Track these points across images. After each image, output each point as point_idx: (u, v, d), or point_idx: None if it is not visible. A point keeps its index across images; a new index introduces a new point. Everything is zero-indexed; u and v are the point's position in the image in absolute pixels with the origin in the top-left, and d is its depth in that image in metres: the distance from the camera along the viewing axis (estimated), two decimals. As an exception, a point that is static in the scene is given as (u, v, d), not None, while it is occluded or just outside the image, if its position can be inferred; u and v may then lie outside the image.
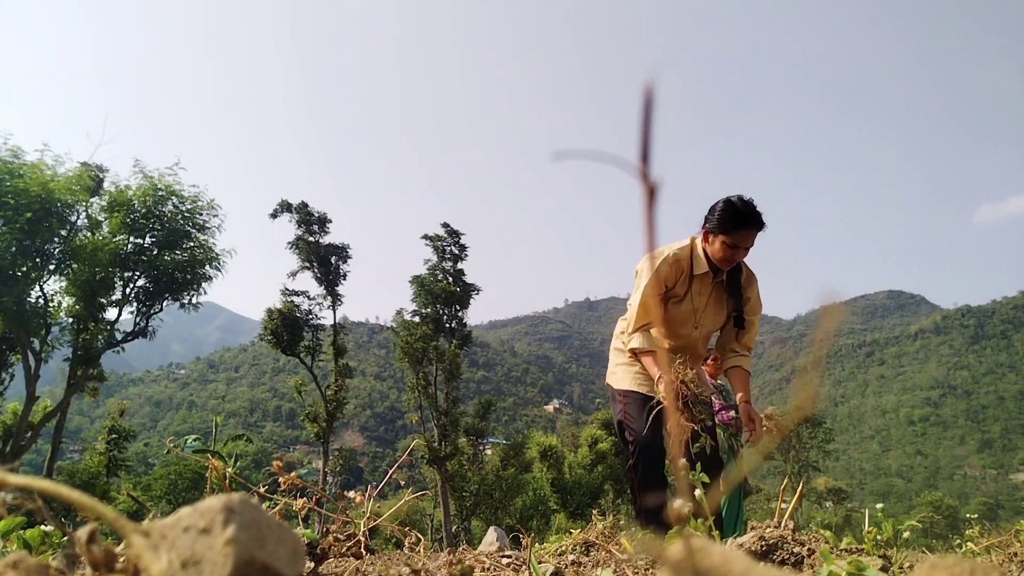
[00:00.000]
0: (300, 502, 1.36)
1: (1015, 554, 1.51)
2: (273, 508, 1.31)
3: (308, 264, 22.07)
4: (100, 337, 16.03)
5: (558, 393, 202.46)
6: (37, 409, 15.82)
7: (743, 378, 2.71)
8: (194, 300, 17.01)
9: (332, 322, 22.53)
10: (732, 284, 2.75)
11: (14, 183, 13.43)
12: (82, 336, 15.72)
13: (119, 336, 16.60)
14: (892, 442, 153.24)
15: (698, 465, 2.16)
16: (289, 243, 22.17)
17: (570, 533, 1.89)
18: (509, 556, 1.56)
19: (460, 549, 1.68)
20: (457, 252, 24.33)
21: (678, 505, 0.40)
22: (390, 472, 1.94)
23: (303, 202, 22.56)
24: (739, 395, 2.62)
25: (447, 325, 23.60)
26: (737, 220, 2.53)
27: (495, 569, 1.38)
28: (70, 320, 15.74)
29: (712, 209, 2.65)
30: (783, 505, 2.09)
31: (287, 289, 21.83)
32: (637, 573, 1.33)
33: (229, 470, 1.32)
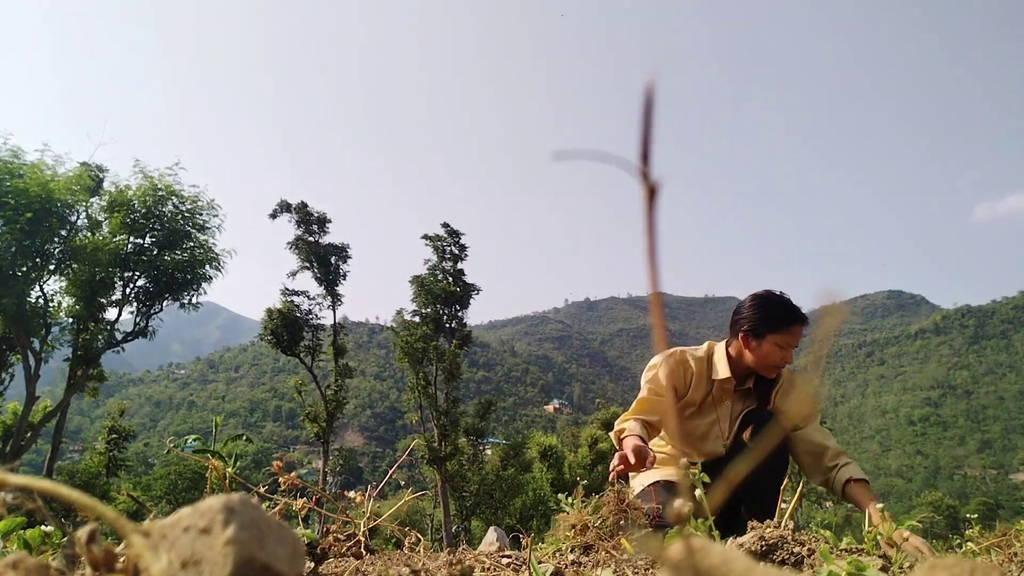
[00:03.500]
0: (300, 502, 1.36)
1: (1015, 554, 1.51)
2: (273, 508, 1.31)
3: (308, 264, 22.07)
4: (100, 337, 16.02)
5: (558, 393, 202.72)
6: (37, 409, 15.82)
7: (857, 496, 2.13)
8: (194, 300, 17.02)
9: (332, 322, 22.54)
10: (761, 393, 2.41)
11: (14, 183, 13.44)
12: (82, 336, 15.72)
13: (119, 336, 16.59)
14: (892, 442, 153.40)
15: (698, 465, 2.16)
16: (289, 243, 22.18)
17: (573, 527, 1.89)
18: (509, 556, 1.56)
19: (460, 549, 1.68)
20: (457, 252, 24.33)
21: (678, 505, 0.40)
22: (390, 472, 1.94)
23: (302, 202, 22.57)
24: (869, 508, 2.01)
25: (447, 325, 23.60)
26: (790, 316, 2.26)
27: (495, 569, 1.38)
28: (70, 320, 15.74)
29: (745, 309, 2.35)
30: (783, 505, 2.09)
31: (287, 289, 21.84)
32: (637, 573, 1.33)
33: (229, 470, 1.32)
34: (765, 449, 2.03)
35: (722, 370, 2.35)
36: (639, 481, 2.45)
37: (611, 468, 1.97)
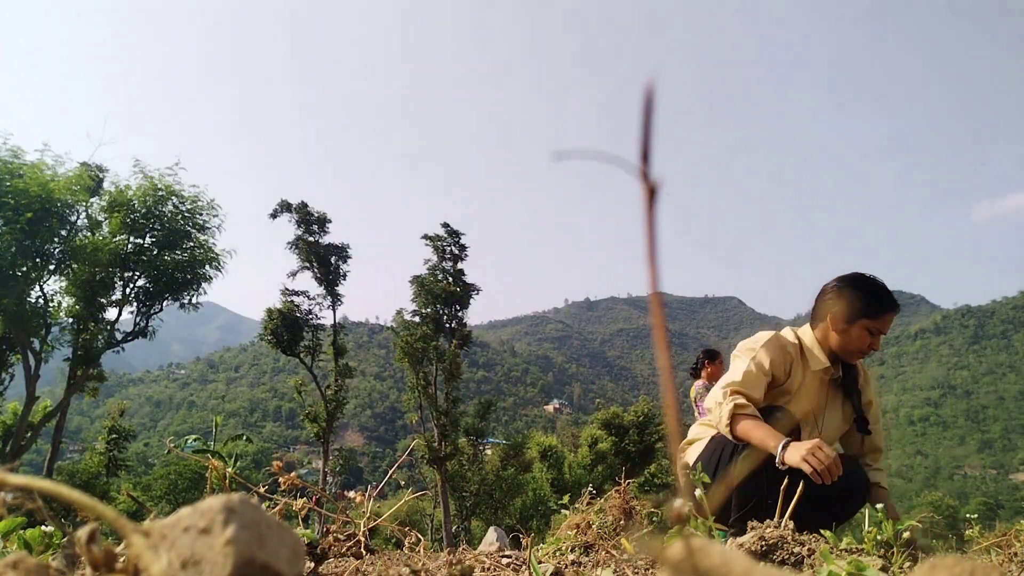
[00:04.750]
0: (300, 502, 1.36)
1: (1015, 554, 1.51)
2: (273, 508, 1.31)
3: (308, 264, 22.08)
4: (100, 337, 16.02)
5: (558, 393, 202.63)
6: (37, 409, 15.81)
7: (883, 498, 2.27)
8: (194, 300, 17.02)
9: (332, 322, 22.54)
10: (848, 383, 2.33)
11: (14, 183, 13.43)
12: (82, 336, 15.71)
13: (119, 336, 16.60)
14: (892, 442, 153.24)
15: (699, 465, 2.16)
16: (289, 243, 22.18)
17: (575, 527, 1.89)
18: (509, 556, 1.57)
19: (460, 549, 1.68)
20: (457, 252, 24.32)
21: (678, 505, 0.40)
22: (390, 472, 1.94)
23: (303, 202, 22.57)
24: None
25: (447, 325, 23.59)
26: (886, 301, 2.17)
27: (495, 569, 1.38)
28: (70, 320, 15.74)
29: (834, 290, 2.24)
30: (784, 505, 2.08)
31: (287, 289, 21.85)
32: (637, 573, 1.33)
33: (229, 470, 1.32)
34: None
35: (819, 361, 2.24)
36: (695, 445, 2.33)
37: (813, 467, 1.80)
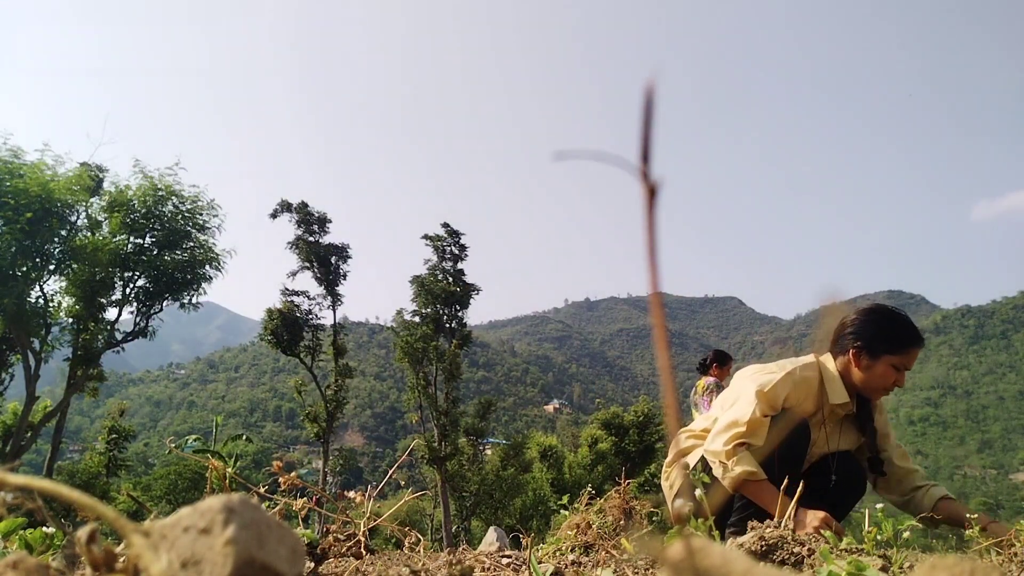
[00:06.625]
0: (300, 502, 1.36)
1: (1015, 554, 1.51)
2: (273, 508, 1.31)
3: (308, 264, 22.09)
4: (100, 337, 16.03)
5: (558, 393, 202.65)
6: (37, 409, 15.82)
7: (956, 510, 2.08)
8: (194, 300, 17.02)
9: (332, 322, 22.54)
10: (862, 415, 2.20)
11: (14, 183, 13.43)
12: (82, 336, 15.72)
13: (119, 336, 16.60)
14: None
15: (699, 465, 2.16)
16: (289, 243, 22.19)
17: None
18: (509, 556, 1.57)
19: (460, 549, 1.68)
20: (457, 252, 24.33)
21: (678, 505, 0.40)
22: (390, 472, 1.94)
23: (303, 202, 22.58)
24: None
25: (447, 325, 23.59)
26: (910, 336, 2.06)
27: (495, 569, 1.38)
28: (70, 320, 15.74)
29: (857, 323, 2.11)
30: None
31: (287, 289, 21.86)
32: (637, 573, 1.33)
33: (229, 470, 1.32)
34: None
35: (839, 395, 2.12)
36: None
37: (812, 527, 1.74)
